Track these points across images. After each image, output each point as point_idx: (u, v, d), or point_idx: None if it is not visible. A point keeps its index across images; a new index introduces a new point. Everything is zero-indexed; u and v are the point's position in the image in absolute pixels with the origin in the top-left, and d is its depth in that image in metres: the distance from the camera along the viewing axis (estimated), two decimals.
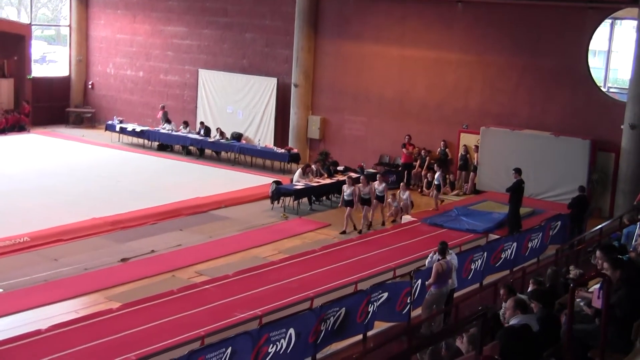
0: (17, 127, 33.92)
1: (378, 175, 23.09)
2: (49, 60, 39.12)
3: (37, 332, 13.22)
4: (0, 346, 12.58)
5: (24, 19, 36.66)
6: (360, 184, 21.79)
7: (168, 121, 32.60)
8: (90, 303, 15.31)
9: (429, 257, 15.07)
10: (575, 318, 8.42)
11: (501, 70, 26.17)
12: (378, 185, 22.12)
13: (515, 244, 18.07)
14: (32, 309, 14.78)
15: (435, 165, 24.85)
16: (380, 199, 22.12)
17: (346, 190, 21.59)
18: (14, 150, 30.29)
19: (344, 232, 21.10)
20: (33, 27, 36.26)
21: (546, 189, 24.40)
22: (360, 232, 21.20)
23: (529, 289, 11.58)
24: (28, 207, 21.72)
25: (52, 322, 13.74)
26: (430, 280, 14.32)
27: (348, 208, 21.33)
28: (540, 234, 19.15)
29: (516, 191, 20.59)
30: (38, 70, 37.07)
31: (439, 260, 14.32)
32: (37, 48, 37.37)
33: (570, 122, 24.69)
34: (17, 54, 35.40)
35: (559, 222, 20.19)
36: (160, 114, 33.19)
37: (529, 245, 18.69)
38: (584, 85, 24.71)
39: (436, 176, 24.09)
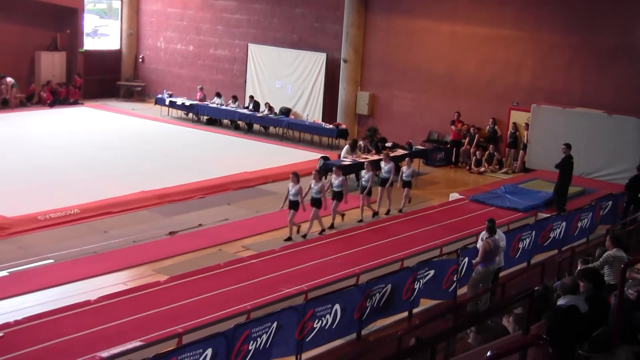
0: (69, 100, 34.33)
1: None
2: (101, 33, 39.37)
3: (87, 303, 13.40)
4: (50, 316, 12.79)
5: None
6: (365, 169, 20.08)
7: (218, 95, 32.72)
8: (138, 275, 15.48)
9: (479, 237, 14.94)
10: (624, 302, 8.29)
11: (554, 46, 25.74)
12: (384, 165, 20.68)
13: (564, 224, 17.87)
14: (81, 280, 14.98)
15: (406, 159, 21.77)
16: (407, 183, 20.94)
17: (313, 187, 18.45)
18: (65, 123, 30.66)
19: (295, 237, 18.19)
20: (85, 0, 36.51)
21: (597, 168, 24.04)
22: (322, 232, 18.59)
23: (578, 269, 11.46)
24: (78, 180, 21.99)
25: (101, 294, 13.93)
26: (477, 259, 14.21)
27: (314, 208, 18.37)
28: (590, 214, 18.90)
29: (565, 167, 20.28)
30: (90, 44, 37.38)
31: (486, 238, 14.20)
32: (89, 21, 37.63)
33: (624, 101, 24.24)
34: (70, 28, 35.76)
35: (610, 202, 19.91)
36: (199, 96, 33.30)
37: (579, 224, 18.47)
38: (639, 63, 24.21)
39: (405, 171, 21.10)
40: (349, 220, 19.62)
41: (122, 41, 38.27)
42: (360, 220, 19.63)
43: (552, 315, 8.28)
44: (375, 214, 20.34)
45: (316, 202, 18.30)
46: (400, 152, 25.44)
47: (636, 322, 8.30)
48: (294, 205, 17.91)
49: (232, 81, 34.71)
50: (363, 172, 20.28)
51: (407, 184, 20.98)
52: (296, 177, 18.12)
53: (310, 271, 15.50)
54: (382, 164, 20.93)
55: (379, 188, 20.65)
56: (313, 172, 19.20)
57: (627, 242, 14.15)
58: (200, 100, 33.17)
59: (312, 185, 18.36)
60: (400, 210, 20.79)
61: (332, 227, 19.01)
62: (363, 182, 20.01)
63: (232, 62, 34.81)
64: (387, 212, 20.62)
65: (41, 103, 33.69)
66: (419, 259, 15.00)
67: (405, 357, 7.29)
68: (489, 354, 4.56)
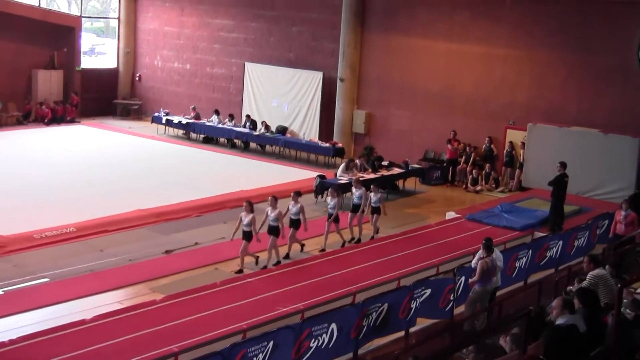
0: (66, 118, 34.32)
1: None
2: (98, 52, 39.51)
3: (82, 322, 13.33)
4: (45, 335, 12.72)
5: (74, 11, 37.02)
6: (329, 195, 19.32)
7: (217, 112, 32.75)
8: (135, 294, 15.44)
9: (476, 256, 14.92)
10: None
11: (549, 65, 25.83)
12: (355, 191, 19.92)
13: (561, 242, 17.86)
14: (77, 298, 14.96)
15: (372, 186, 20.42)
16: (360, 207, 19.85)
17: (270, 214, 17.44)
18: (62, 141, 30.65)
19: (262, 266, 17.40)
20: (83, 19, 36.64)
21: (593, 187, 24.05)
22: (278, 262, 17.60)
23: (571, 288, 11.46)
24: (74, 198, 21.98)
25: (96, 312, 13.86)
26: (475, 278, 14.19)
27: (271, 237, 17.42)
28: (587, 233, 18.91)
29: (558, 184, 20.28)
30: (87, 62, 37.47)
31: (483, 257, 14.18)
32: (86, 40, 37.76)
33: (620, 120, 24.29)
34: (67, 46, 35.83)
35: (607, 221, 19.91)
36: (192, 116, 33.30)
37: (575, 243, 18.46)
38: (635, 81, 24.27)
39: (373, 197, 19.95)
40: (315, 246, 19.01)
41: (119, 59, 38.33)
42: (323, 250, 18.67)
43: (551, 334, 8.26)
44: (344, 242, 19.45)
45: (274, 230, 17.29)
46: (396, 170, 25.50)
47: (634, 342, 8.28)
48: (247, 236, 16.85)
49: (229, 99, 34.76)
50: (329, 199, 19.15)
51: (375, 211, 19.88)
52: (274, 200, 17.39)
53: (306, 290, 15.44)
54: (353, 189, 20.14)
55: (349, 214, 19.82)
56: (269, 198, 17.63)
57: (620, 261, 14.16)
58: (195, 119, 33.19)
59: (290, 207, 17.93)
60: (372, 237, 19.88)
61: (343, 244, 19.34)
62: (329, 209, 18.99)
63: (229, 80, 34.87)
64: (358, 240, 19.72)
65: (38, 121, 33.64)
66: (415, 278, 14.97)
67: None
68: None
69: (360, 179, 23.55)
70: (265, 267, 17.11)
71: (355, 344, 12.83)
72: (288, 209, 17.99)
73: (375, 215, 19.88)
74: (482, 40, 27.21)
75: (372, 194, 19.89)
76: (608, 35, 24.63)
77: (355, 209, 19.79)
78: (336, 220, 18.96)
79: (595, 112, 24.93)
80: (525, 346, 6.91)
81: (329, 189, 19.81)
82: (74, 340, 12.60)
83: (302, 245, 18.61)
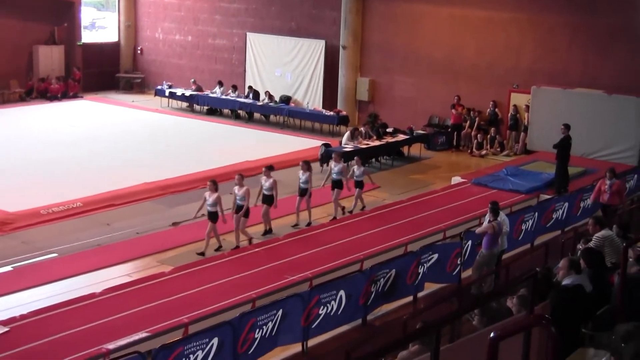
0: (69, 93, 34.29)
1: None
2: (99, 26, 39.35)
3: (92, 296, 13.44)
4: (56, 309, 12.82)
5: None
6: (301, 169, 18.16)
7: (220, 84, 32.69)
8: (143, 267, 15.53)
9: (485, 221, 14.94)
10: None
11: (553, 28, 25.68)
12: (334, 165, 18.86)
13: (566, 204, 17.88)
14: (86, 273, 15.03)
15: (356, 158, 19.93)
16: (359, 184, 19.25)
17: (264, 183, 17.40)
18: (66, 116, 30.65)
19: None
20: None
21: (599, 148, 24.03)
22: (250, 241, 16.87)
23: (580, 248, 11.49)
24: (80, 173, 22.02)
25: (105, 286, 13.96)
26: (479, 229, 14.26)
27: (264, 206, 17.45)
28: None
29: (563, 147, 20.28)
30: (88, 37, 37.34)
31: (490, 221, 14.20)
32: (86, 14, 37.59)
33: (624, 80, 24.17)
34: (67, 21, 35.69)
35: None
36: (193, 88, 33.20)
37: (581, 205, 18.48)
38: (638, 43, 24.13)
39: (356, 171, 19.29)
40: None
41: (120, 33, 38.19)
42: (296, 225, 18.13)
43: (558, 295, 8.29)
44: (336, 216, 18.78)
45: (268, 199, 17.30)
46: (401, 137, 25.50)
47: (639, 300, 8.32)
48: (212, 217, 16.23)
49: (231, 70, 34.67)
50: (300, 174, 18.26)
51: (358, 185, 19.25)
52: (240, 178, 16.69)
53: (314, 258, 15.51)
54: (332, 164, 19.15)
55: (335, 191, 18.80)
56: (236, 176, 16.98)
57: (628, 220, 14.17)
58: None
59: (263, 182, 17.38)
60: (350, 212, 19.15)
61: (341, 215, 18.87)
62: (301, 184, 18.15)
63: (231, 51, 34.75)
64: (333, 218, 18.73)
65: (46, 97, 33.54)
66: (422, 243, 15.03)
67: (410, 341, 7.31)
68: (492, 335, 4.57)
69: (364, 146, 23.63)
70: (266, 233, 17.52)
71: (364, 310, 12.91)
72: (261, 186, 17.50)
73: (358, 189, 19.23)
74: (485, 5, 27.05)
75: (355, 167, 19.33)
76: None
77: (335, 184, 18.83)
78: (340, 186, 18.73)
79: (599, 73, 24.82)
80: (532, 307, 6.93)
81: (333, 155, 19.55)
82: (84, 313, 12.70)
83: (343, 208, 19.05)
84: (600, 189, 17.33)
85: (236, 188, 16.68)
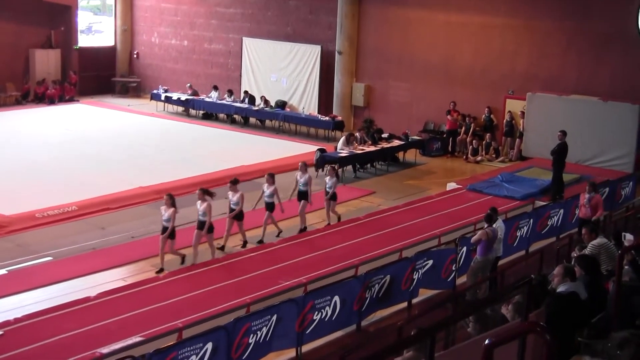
0: (65, 97, 34.27)
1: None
2: (95, 30, 39.27)
3: (86, 300, 13.43)
4: (50, 313, 12.80)
5: None
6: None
7: (215, 88, 32.70)
8: (137, 271, 15.50)
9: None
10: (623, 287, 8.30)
11: (549, 34, 25.72)
12: (300, 177, 18.19)
13: (562, 211, 17.88)
14: (80, 276, 15.01)
15: (330, 168, 19.17)
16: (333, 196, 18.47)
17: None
18: (62, 120, 30.62)
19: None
20: None
21: (594, 155, 24.05)
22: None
23: (575, 255, 11.49)
24: (76, 177, 21.99)
25: (100, 290, 13.94)
26: (474, 238, 14.24)
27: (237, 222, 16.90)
28: None
29: (559, 154, 20.30)
30: (84, 41, 37.29)
31: (485, 227, 14.21)
32: (83, 18, 37.54)
33: (619, 87, 24.21)
34: (64, 25, 35.72)
35: (607, 189, 19.92)
36: (189, 93, 33.18)
37: (576, 211, 18.47)
38: (634, 49, 24.17)
39: (328, 182, 18.51)
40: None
41: (116, 37, 38.20)
42: (260, 241, 17.24)
43: (553, 302, 8.29)
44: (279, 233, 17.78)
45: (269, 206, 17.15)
46: (396, 142, 25.52)
47: (634, 308, 8.32)
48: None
49: (227, 75, 34.67)
50: (265, 187, 17.56)
51: (331, 197, 18.47)
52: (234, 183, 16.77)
53: (309, 263, 15.51)
54: (298, 174, 18.37)
55: (301, 202, 18.11)
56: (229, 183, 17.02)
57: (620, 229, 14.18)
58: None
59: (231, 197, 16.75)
60: (328, 223, 18.52)
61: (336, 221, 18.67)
62: (265, 198, 17.45)
63: (227, 56, 34.76)
64: (304, 229, 18.10)
65: (43, 101, 33.50)
66: (417, 249, 15.01)
67: (405, 347, 7.30)
68: (487, 341, 4.57)
69: (359, 151, 23.66)
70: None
71: (358, 316, 12.89)
72: (263, 191, 17.43)
73: (331, 201, 18.54)
74: (480, 10, 27.09)
75: (327, 178, 18.60)
76: (607, 3, 24.52)
77: (301, 196, 18.13)
78: (334, 198, 18.46)
79: (594, 80, 24.86)
80: (527, 314, 6.94)
81: (299, 165, 18.47)
82: (78, 317, 12.69)
83: (339, 217, 18.77)
84: (580, 204, 17.02)
85: (230, 193, 16.65)
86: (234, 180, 16.97)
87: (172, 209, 15.46)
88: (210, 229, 15.81)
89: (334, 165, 19.50)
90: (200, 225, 15.75)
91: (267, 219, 17.36)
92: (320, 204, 18.88)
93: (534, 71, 26.07)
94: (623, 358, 5.49)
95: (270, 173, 17.85)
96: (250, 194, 20.88)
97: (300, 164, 18.42)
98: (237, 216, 16.63)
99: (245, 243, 16.95)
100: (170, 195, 15.80)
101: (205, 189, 16.56)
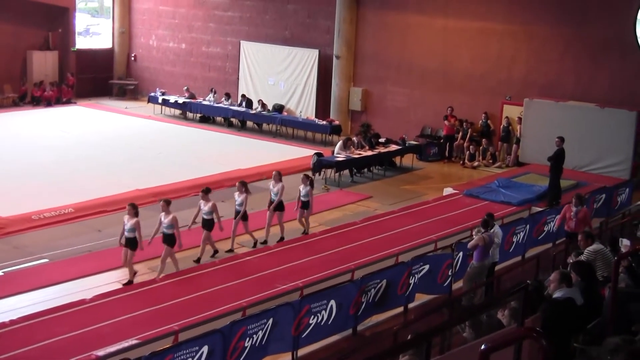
0: (63, 99, 34.26)
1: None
2: (93, 32, 39.29)
3: (82, 302, 13.42)
4: (45, 315, 12.79)
5: None
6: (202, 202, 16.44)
7: (212, 91, 32.72)
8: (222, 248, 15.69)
9: (475, 231, 15.02)
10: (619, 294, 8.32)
11: (546, 40, 25.77)
12: (274, 187, 17.66)
13: (558, 217, 17.88)
14: (76, 279, 15.00)
15: (304, 177, 18.39)
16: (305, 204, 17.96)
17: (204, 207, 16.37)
18: (59, 122, 30.60)
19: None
20: None
21: (590, 161, 24.08)
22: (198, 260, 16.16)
23: (570, 261, 11.50)
24: (72, 179, 21.98)
25: (96, 292, 13.93)
26: (471, 244, 14.23)
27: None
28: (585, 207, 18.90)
29: (557, 160, 20.32)
30: (82, 43, 37.30)
31: (481, 232, 14.22)
32: (80, 20, 37.54)
33: (617, 94, 24.27)
34: (62, 27, 35.70)
35: (604, 195, 19.96)
36: (186, 96, 33.19)
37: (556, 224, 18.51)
38: (631, 55, 24.22)
39: (302, 190, 17.93)
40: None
41: (114, 40, 38.19)
42: (230, 250, 16.85)
43: (549, 308, 8.30)
44: (258, 242, 17.42)
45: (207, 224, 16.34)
46: (393, 147, 25.54)
47: (630, 314, 8.33)
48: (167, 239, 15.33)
49: (225, 78, 34.69)
50: (235, 196, 17.11)
51: (304, 205, 17.95)
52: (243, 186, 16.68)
53: (305, 267, 15.52)
54: (271, 184, 17.87)
55: (277, 213, 17.62)
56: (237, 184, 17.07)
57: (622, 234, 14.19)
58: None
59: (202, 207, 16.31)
60: (305, 233, 18.07)
61: (305, 232, 18.06)
62: (236, 207, 16.97)
63: (225, 59, 34.78)
64: (264, 242, 17.49)
65: (41, 103, 33.49)
66: (413, 254, 15.02)
67: (401, 352, 7.30)
68: (483, 347, 4.57)
69: (357, 156, 23.67)
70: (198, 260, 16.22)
71: (355, 320, 12.89)
72: (200, 208, 16.62)
73: (305, 210, 17.98)
74: (478, 16, 27.13)
75: (301, 187, 17.96)
76: (604, 9, 24.57)
77: (276, 206, 17.60)
78: (307, 207, 17.90)
79: (592, 86, 24.90)
80: (523, 319, 6.94)
81: (273, 174, 17.96)
82: (74, 320, 12.67)
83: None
84: (565, 216, 16.51)
85: (202, 202, 16.34)
86: (206, 190, 16.55)
87: (171, 215, 15.27)
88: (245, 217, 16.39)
89: (307, 174, 18.73)
90: (167, 238, 15.15)
91: (235, 227, 16.89)
92: (317, 206, 18.87)
93: (532, 77, 26.11)
94: None
95: (242, 181, 17.34)
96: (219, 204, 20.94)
97: (274, 173, 17.82)
98: (208, 226, 16.17)
99: (215, 252, 16.48)
100: (167, 200, 15.72)
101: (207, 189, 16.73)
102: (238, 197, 16.79)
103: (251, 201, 17.47)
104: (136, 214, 14.97)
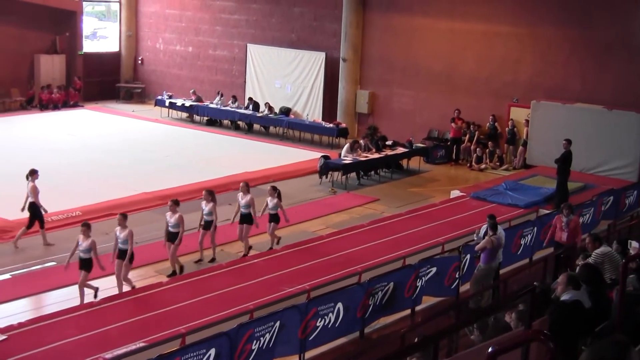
0: (70, 102, 34.35)
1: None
2: (100, 36, 39.39)
3: (89, 305, 13.44)
4: (53, 318, 12.81)
5: None
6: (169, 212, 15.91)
7: (220, 94, 32.75)
8: (141, 276, 15.51)
9: (476, 233, 15.04)
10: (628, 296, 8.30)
11: (552, 42, 25.74)
12: (242, 199, 16.89)
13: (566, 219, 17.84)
14: None
15: (270, 188, 17.59)
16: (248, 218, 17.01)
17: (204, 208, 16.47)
18: (66, 125, 30.66)
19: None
20: (84, 3, 36.55)
21: (598, 164, 24.03)
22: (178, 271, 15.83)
23: (578, 264, 11.48)
24: (79, 182, 22.02)
25: (103, 295, 13.95)
26: (479, 246, 14.24)
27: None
28: (592, 209, 18.90)
29: (564, 162, 20.28)
30: (89, 46, 37.40)
31: (489, 235, 14.21)
32: (88, 24, 37.65)
33: (624, 95, 24.23)
34: (69, 30, 35.79)
35: (611, 197, 19.92)
36: (193, 99, 33.25)
37: (580, 220, 18.45)
38: (638, 57, 24.18)
39: (269, 202, 17.23)
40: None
41: (121, 43, 38.28)
42: (199, 260, 16.58)
43: (556, 310, 8.29)
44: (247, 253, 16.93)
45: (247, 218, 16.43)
46: (400, 150, 25.54)
47: (638, 317, 8.31)
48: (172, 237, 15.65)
49: (231, 81, 34.72)
50: (203, 204, 16.65)
51: (272, 218, 17.23)
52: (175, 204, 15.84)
53: (312, 270, 15.50)
54: (240, 195, 17.05)
55: (243, 226, 16.87)
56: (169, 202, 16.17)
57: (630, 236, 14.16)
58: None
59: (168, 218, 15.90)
60: (270, 248, 17.26)
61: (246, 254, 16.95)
62: (205, 217, 16.54)
63: (232, 62, 34.82)
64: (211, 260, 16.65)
65: (41, 106, 33.59)
66: (421, 257, 15.01)
67: (408, 355, 7.30)
68: (490, 349, 4.57)
69: (363, 159, 23.66)
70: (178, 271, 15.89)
71: (362, 323, 12.90)
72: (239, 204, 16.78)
73: (272, 223, 17.25)
74: (484, 18, 27.12)
75: (268, 199, 17.28)
76: (610, 10, 24.55)
77: (243, 219, 16.91)
78: (276, 220, 17.23)
79: (599, 88, 24.86)
80: (530, 322, 6.93)
81: (240, 186, 17.19)
82: (82, 322, 12.69)
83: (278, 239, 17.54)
84: (556, 227, 15.85)
85: (240, 194, 16.68)
86: (175, 201, 15.93)
87: (177, 214, 15.57)
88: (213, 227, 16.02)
89: (274, 186, 17.95)
90: (122, 253, 14.73)
91: (202, 238, 16.53)
92: (317, 211, 18.83)
93: (538, 79, 26.08)
94: None
95: (209, 190, 16.80)
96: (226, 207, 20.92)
97: (241, 184, 17.16)
98: (173, 239, 15.62)
99: (182, 268, 15.84)
100: (176, 201, 15.95)
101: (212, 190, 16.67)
102: (242, 199, 16.73)
103: (262, 203, 17.48)
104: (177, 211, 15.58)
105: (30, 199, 17.45)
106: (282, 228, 17.89)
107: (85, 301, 13.92)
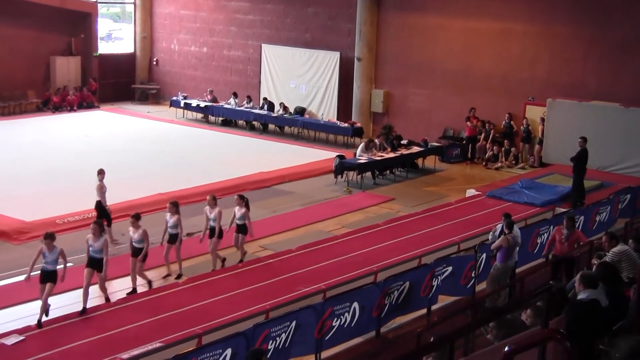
0: (85, 104, 34.49)
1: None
2: (115, 37, 39.54)
3: (106, 305, 13.50)
4: (71, 319, 12.87)
5: None
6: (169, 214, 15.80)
7: (235, 95, 32.80)
8: (157, 277, 15.54)
9: (492, 232, 15.00)
10: None
11: (568, 40, 25.63)
12: (210, 212, 15.99)
13: (582, 218, 17.78)
14: None
15: (238, 197, 16.46)
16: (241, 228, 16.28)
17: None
18: (82, 126, 30.78)
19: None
20: (99, 4, 36.70)
21: (615, 162, 23.91)
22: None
23: (594, 264, 11.42)
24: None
25: (120, 296, 14.01)
26: (495, 245, 14.21)
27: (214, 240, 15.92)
28: (609, 207, 18.82)
29: (580, 160, 20.18)
30: (104, 48, 37.55)
31: (505, 234, 14.17)
32: (103, 25, 37.82)
33: None
34: (84, 32, 35.92)
35: (628, 195, 19.82)
36: (209, 99, 33.35)
37: (597, 218, 18.39)
38: None
39: (237, 212, 16.24)
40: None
41: (136, 44, 38.41)
42: (167, 275, 15.88)
43: (573, 309, 8.25)
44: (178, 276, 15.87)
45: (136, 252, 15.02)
46: (415, 149, 25.49)
47: None
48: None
49: (246, 82, 34.76)
50: (168, 217, 15.94)
51: (240, 229, 16.35)
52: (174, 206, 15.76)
53: (328, 270, 15.50)
54: (207, 209, 16.15)
55: (212, 240, 16.01)
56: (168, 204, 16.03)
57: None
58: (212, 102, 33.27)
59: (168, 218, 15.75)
60: (241, 261, 16.32)
61: (241, 261, 16.31)
62: (169, 230, 15.83)
63: (246, 62, 34.86)
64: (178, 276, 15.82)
65: (62, 108, 33.71)
66: (436, 256, 15.00)
67: (424, 354, 7.29)
68: (507, 348, 4.56)
69: (378, 158, 23.63)
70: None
71: (378, 323, 12.89)
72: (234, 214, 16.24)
73: (240, 235, 16.38)
74: (499, 17, 27.04)
75: (236, 209, 16.31)
76: (627, 8, 24.41)
77: (211, 232, 16.04)
78: (243, 231, 16.32)
79: (615, 86, 24.73)
80: (547, 321, 6.91)
81: (207, 199, 16.29)
82: (99, 323, 12.74)
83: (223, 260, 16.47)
84: (554, 239, 15.08)
85: (207, 208, 16.10)
86: (136, 215, 15.25)
87: (177, 216, 15.73)
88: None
89: (242, 195, 16.86)
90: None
91: (167, 252, 15.92)
92: (332, 211, 18.78)
93: (554, 77, 25.96)
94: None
95: (174, 202, 16.12)
96: (269, 200, 20.90)
97: (208, 197, 16.29)
98: (138, 254, 14.94)
99: (149, 283, 15.07)
100: (175, 203, 16.03)
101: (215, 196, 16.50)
102: (134, 233, 15.19)
103: (277, 203, 17.49)
104: (177, 212, 15.75)
105: (97, 197, 17.67)
106: (298, 228, 17.88)
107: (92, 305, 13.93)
